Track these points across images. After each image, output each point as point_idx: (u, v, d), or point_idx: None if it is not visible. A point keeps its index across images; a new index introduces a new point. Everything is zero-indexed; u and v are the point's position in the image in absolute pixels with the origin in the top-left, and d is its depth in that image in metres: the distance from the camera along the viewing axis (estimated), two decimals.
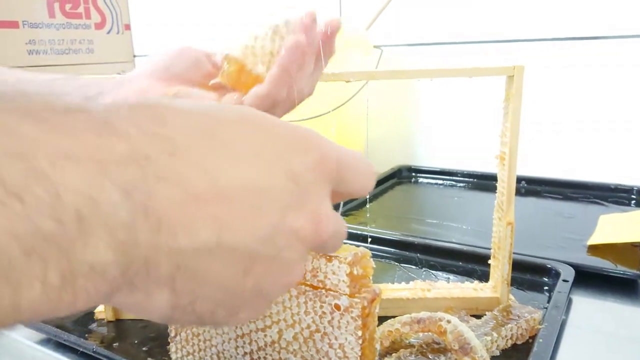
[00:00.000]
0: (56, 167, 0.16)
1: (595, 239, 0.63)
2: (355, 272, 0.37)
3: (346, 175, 0.25)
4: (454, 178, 0.93)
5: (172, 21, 1.23)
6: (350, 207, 0.79)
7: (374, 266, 0.39)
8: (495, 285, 0.49)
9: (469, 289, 0.49)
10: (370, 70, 0.44)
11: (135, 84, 0.41)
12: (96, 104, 0.19)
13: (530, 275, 0.55)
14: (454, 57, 0.91)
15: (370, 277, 0.38)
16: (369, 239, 0.64)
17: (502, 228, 0.46)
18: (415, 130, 0.99)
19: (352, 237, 0.66)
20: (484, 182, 0.90)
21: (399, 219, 0.78)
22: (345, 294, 0.37)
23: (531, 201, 0.83)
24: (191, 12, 1.19)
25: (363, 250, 0.38)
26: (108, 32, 1.24)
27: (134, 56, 1.31)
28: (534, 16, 0.85)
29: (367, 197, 0.83)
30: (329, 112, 0.81)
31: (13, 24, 1.06)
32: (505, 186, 0.46)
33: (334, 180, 0.25)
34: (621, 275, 0.53)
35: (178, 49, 0.45)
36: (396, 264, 0.60)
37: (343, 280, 0.37)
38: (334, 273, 0.38)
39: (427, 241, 0.62)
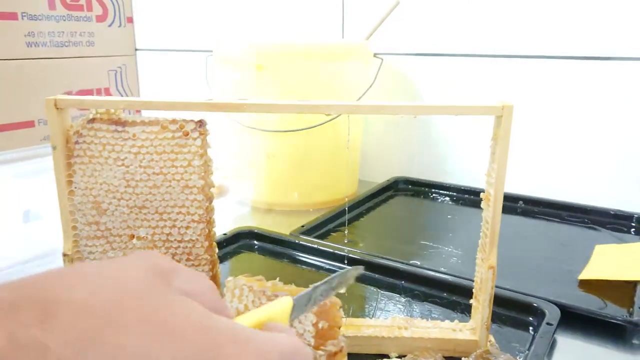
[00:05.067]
0: None
1: (588, 273, 0.61)
2: (320, 326, 0.35)
3: None
4: (452, 193, 0.91)
5: (175, 14, 1.21)
6: (341, 221, 0.78)
7: (344, 317, 0.38)
8: (475, 327, 0.47)
9: (448, 329, 0.48)
10: (351, 103, 0.42)
11: None
12: None
13: (514, 312, 0.53)
14: (456, 70, 0.89)
15: (340, 328, 0.37)
16: (345, 260, 0.63)
17: (484, 270, 0.45)
18: (413, 141, 0.96)
19: (334, 257, 0.65)
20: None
21: (389, 237, 0.76)
22: (309, 344, 0.36)
23: (526, 222, 0.81)
24: (194, 5, 1.17)
25: (333, 300, 0.37)
26: (110, 25, 1.22)
27: (136, 50, 1.29)
28: (540, 32, 0.82)
29: (348, 207, 0.82)
30: (324, 123, 0.80)
31: (12, 16, 1.04)
32: (489, 227, 0.44)
33: None
34: (609, 320, 0.51)
35: None
36: (378, 290, 0.59)
37: (308, 331, 0.36)
38: (300, 322, 0.37)
39: (412, 269, 0.60)
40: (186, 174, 0.44)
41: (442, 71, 0.90)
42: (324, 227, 0.75)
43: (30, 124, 1.10)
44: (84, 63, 1.18)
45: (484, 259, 0.45)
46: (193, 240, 0.46)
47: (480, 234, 0.46)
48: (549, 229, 0.78)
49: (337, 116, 0.78)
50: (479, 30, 0.86)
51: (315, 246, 0.66)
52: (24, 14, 1.06)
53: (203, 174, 0.44)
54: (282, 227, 0.76)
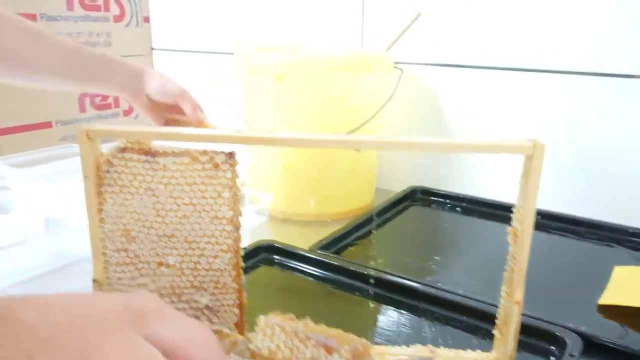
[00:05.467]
0: None
1: (607, 298, 0.61)
2: None
3: None
4: (471, 205, 0.90)
5: (192, 14, 1.21)
6: (359, 234, 0.78)
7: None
8: (499, 359, 0.47)
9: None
10: (384, 139, 0.42)
11: None
12: None
13: (534, 339, 0.54)
14: (477, 82, 0.88)
15: None
16: (371, 280, 0.63)
17: (509, 304, 0.45)
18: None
19: (355, 275, 0.65)
20: (505, 214, 0.87)
21: (407, 251, 0.77)
22: None
23: (542, 238, 0.80)
24: (211, 5, 1.16)
25: (364, 344, 0.37)
26: (127, 25, 1.22)
27: (152, 49, 1.29)
28: (565, 46, 0.81)
29: (373, 224, 0.82)
30: (350, 132, 0.80)
31: (31, 17, 1.05)
32: (516, 264, 0.44)
33: None
34: (629, 351, 0.51)
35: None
36: (398, 311, 0.59)
37: None
38: None
39: (432, 290, 0.61)
40: (216, 205, 0.44)
41: (463, 82, 0.90)
42: (342, 240, 0.76)
43: (47, 125, 1.10)
44: None
45: (510, 293, 0.45)
46: (221, 269, 0.46)
47: (506, 267, 0.47)
48: (565, 246, 0.78)
49: (361, 127, 0.78)
50: (500, 43, 0.85)
51: (336, 263, 0.67)
52: (42, 15, 1.06)
53: (232, 205, 0.45)
54: (300, 238, 0.77)
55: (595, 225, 0.80)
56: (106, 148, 0.45)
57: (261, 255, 0.71)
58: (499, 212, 0.85)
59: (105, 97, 1.22)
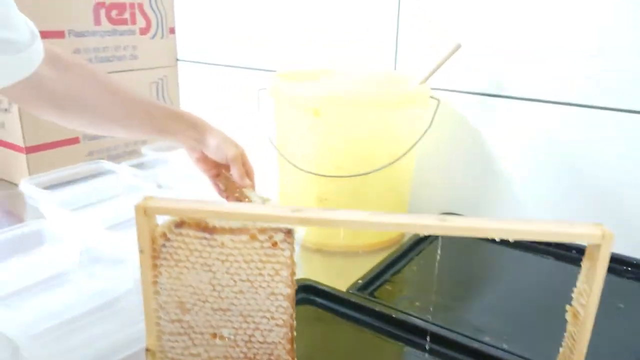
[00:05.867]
0: None
1: None
2: None
3: None
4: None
5: (217, 24, 1.19)
6: (395, 270, 0.78)
7: None
8: None
9: None
10: (447, 224, 0.41)
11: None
12: None
13: None
14: (518, 113, 0.87)
15: None
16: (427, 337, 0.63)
17: None
18: (466, 176, 0.95)
19: (399, 324, 0.65)
20: (538, 246, 0.87)
21: (444, 290, 0.76)
22: None
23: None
24: (236, 15, 1.15)
25: None
26: (152, 37, 1.21)
27: (177, 60, 1.28)
28: (609, 82, 0.79)
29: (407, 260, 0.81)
30: (379, 169, 0.79)
31: (59, 34, 1.04)
32: (575, 345, 0.44)
33: None
34: None
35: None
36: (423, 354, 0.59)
37: None
38: None
39: (458, 338, 0.60)
40: (273, 282, 0.44)
41: (502, 114, 0.88)
42: (379, 278, 0.75)
43: (75, 141, 1.10)
44: (127, 77, 1.17)
45: None
46: (275, 343, 0.46)
47: (562, 344, 0.46)
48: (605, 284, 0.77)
49: (399, 159, 0.77)
50: (542, 75, 0.84)
51: (377, 309, 0.66)
52: (70, 32, 1.05)
53: (290, 282, 0.44)
54: (334, 272, 0.77)
55: (636, 265, 0.79)
56: (162, 220, 0.45)
57: (300, 294, 0.71)
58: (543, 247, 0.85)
59: None
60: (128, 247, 0.77)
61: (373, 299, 0.70)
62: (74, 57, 0.69)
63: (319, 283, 0.72)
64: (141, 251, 0.44)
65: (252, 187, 0.76)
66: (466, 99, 0.91)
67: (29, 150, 1.03)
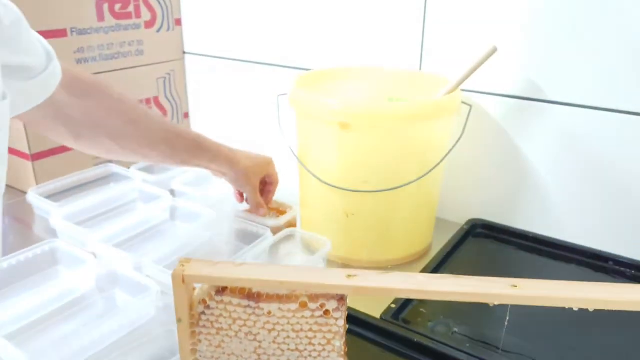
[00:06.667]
0: None
1: None
2: None
3: None
4: (537, 245, 0.86)
5: (227, 14, 1.12)
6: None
7: None
8: None
9: None
10: (517, 293, 0.37)
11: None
12: None
13: None
14: (547, 118, 0.82)
15: None
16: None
17: None
18: (496, 182, 0.91)
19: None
20: (571, 256, 0.83)
21: (479, 314, 0.73)
22: None
23: None
24: (248, 4, 1.08)
25: None
26: (158, 30, 1.14)
27: (184, 53, 1.22)
28: None
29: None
30: (408, 184, 0.75)
31: (61, 33, 0.97)
32: None
33: None
34: None
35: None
36: None
37: None
38: None
39: None
40: (324, 351, 0.40)
41: (536, 118, 0.83)
42: (410, 302, 0.72)
43: None
44: (133, 74, 1.11)
45: None
46: None
47: None
48: None
49: (432, 170, 0.73)
50: (579, 78, 0.78)
51: (416, 340, 0.63)
52: (73, 30, 0.99)
53: (342, 352, 0.40)
54: None
55: None
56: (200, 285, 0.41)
57: None
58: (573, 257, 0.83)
59: None
60: (145, 268, 0.74)
61: (409, 327, 0.66)
62: (94, 80, 0.64)
63: (351, 309, 0.68)
64: (179, 320, 0.40)
65: (266, 213, 0.84)
66: (497, 101, 0.85)
67: (35, 157, 0.98)
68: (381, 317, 0.68)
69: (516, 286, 0.38)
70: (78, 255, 0.77)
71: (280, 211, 0.88)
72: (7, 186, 1.05)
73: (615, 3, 0.72)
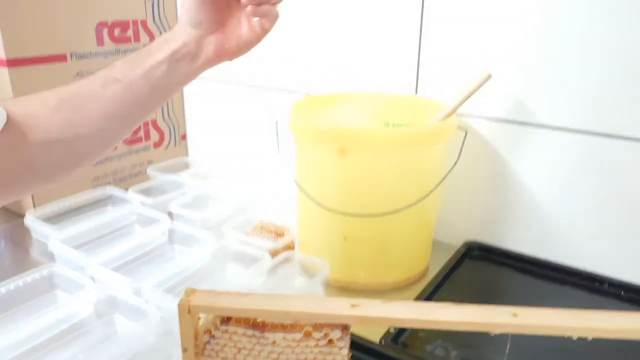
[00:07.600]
0: None
1: None
2: None
3: None
4: (532, 267, 0.87)
5: None
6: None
7: None
8: None
9: None
10: (513, 322, 0.38)
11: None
12: None
13: None
14: (544, 143, 0.84)
15: None
16: None
17: None
18: (491, 204, 0.92)
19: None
20: (566, 278, 0.84)
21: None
22: None
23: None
24: None
25: None
26: None
27: None
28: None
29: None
30: (406, 207, 0.76)
31: (61, 58, 0.98)
32: None
33: None
34: None
35: None
36: None
37: None
38: None
39: None
40: None
41: (529, 142, 0.85)
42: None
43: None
44: None
45: None
46: None
47: None
48: None
49: (428, 195, 0.73)
50: (570, 103, 0.80)
51: None
52: (73, 54, 1.00)
53: None
54: None
55: None
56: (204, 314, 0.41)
57: None
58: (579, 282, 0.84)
59: (139, 140, 1.17)
60: (145, 293, 0.74)
61: (408, 351, 0.67)
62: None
63: (350, 333, 0.69)
64: (184, 349, 0.41)
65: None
66: (492, 125, 0.87)
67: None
68: (380, 341, 0.68)
69: (516, 315, 0.38)
70: (76, 280, 0.77)
71: (278, 234, 0.88)
72: (4, 209, 1.05)
73: (609, 28, 0.74)
